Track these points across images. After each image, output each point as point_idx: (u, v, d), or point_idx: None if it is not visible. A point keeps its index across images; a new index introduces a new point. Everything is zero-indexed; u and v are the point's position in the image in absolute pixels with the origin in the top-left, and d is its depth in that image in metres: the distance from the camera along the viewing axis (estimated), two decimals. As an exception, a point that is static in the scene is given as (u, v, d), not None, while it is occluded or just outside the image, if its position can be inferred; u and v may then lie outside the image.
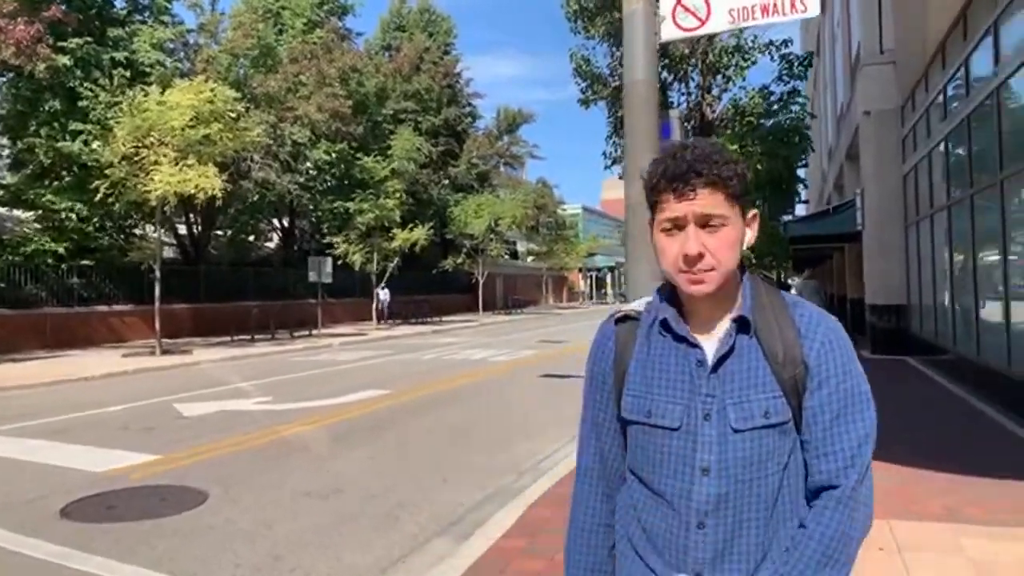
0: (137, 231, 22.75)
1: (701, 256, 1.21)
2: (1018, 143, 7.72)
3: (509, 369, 14.50)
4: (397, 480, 6.13)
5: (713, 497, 1.22)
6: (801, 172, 16.52)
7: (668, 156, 1.25)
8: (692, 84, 10.51)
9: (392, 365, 15.46)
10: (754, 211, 1.28)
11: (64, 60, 18.49)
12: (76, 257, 19.98)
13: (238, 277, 25.95)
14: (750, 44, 10.31)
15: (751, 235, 1.29)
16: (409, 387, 11.77)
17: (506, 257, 46.02)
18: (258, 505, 5.45)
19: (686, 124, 8.26)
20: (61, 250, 19.19)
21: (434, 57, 38.90)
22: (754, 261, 11.99)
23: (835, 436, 1.24)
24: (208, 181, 15.70)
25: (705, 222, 1.21)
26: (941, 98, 11.01)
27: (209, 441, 7.69)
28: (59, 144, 19.12)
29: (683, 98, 10.43)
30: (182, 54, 24.13)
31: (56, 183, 19.76)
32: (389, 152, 29.07)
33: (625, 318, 1.38)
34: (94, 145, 18.47)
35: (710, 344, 1.28)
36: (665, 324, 1.31)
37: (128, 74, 19.95)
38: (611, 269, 71.21)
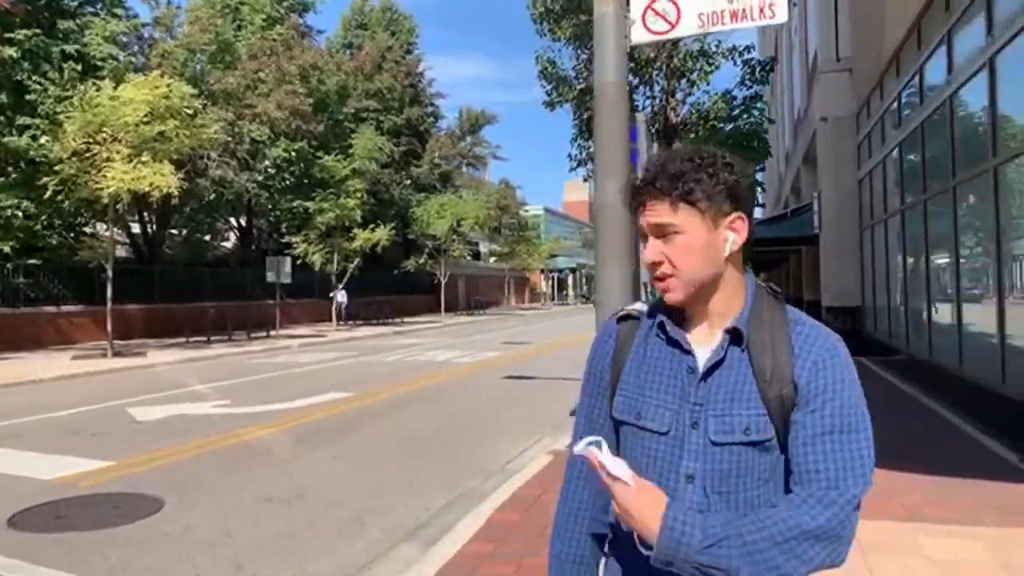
0: (88, 229, 22.11)
1: (658, 264, 1.25)
2: (970, 150, 7.95)
3: (473, 371, 14.44)
4: (362, 484, 6.03)
5: (696, 505, 1.21)
6: (759, 176, 16.81)
7: (644, 169, 1.31)
8: (657, 88, 10.61)
9: (354, 367, 15.27)
10: (736, 214, 1.24)
11: (11, 52, 17.89)
12: (23, 256, 19.34)
13: (194, 277, 25.39)
14: (714, 49, 10.45)
15: (735, 238, 1.25)
16: (372, 389, 11.62)
17: (468, 258, 45.91)
18: (217, 512, 5.30)
19: (650, 128, 8.33)
20: (7, 249, 18.51)
21: (396, 56, 38.65)
22: None
23: (817, 459, 1.17)
24: (163, 179, 15.32)
25: (660, 232, 1.24)
26: (895, 105, 11.30)
27: (165, 446, 7.47)
28: (5, 139, 18.46)
29: (648, 102, 10.51)
30: (136, 48, 23.55)
31: (1, 179, 19.05)
32: (350, 151, 28.76)
33: (627, 317, 1.38)
34: (42, 140, 17.88)
35: (704, 352, 1.26)
36: (662, 327, 1.30)
37: (79, 68, 19.33)
38: (573, 270, 71.71)
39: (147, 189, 15.28)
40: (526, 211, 52.26)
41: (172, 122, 15.93)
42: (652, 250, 1.24)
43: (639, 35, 4.13)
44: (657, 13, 4.00)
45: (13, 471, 6.44)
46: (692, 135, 11.60)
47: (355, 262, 27.36)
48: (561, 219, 74.82)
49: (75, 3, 21.46)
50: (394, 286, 36.61)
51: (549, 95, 11.39)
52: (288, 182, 27.19)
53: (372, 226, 27.17)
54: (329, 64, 31.45)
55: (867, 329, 14.30)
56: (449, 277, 36.53)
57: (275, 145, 25.14)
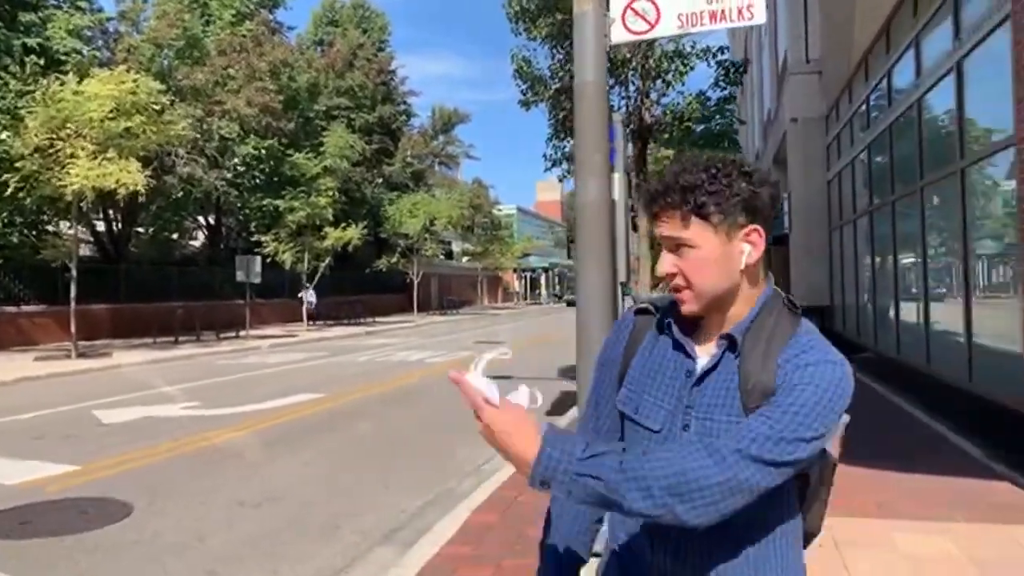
0: (51, 228, 21.57)
1: (671, 275, 1.24)
2: (937, 153, 8.11)
3: (447, 370, 14.34)
4: (336, 487, 5.95)
5: None
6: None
7: (657, 177, 1.30)
8: (632, 88, 10.66)
9: (326, 367, 15.11)
10: (752, 226, 1.21)
11: (-31, 44, 17.37)
12: (-19, 255, 18.82)
13: (161, 276, 24.92)
14: (689, 49, 10.54)
15: (751, 250, 1.22)
16: (345, 390, 11.51)
17: (441, 257, 45.78)
18: (188, 516, 5.19)
19: (626, 128, 8.36)
20: (-35, 247, 18.03)
21: (368, 53, 38.36)
22: None
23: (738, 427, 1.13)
24: (130, 176, 15.01)
25: (672, 245, 1.23)
26: (864, 108, 11.49)
27: (133, 449, 7.30)
28: (-37, 134, 17.92)
29: (623, 102, 10.56)
30: (101, 43, 23.01)
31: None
32: (322, 149, 28.45)
33: (645, 311, 1.37)
34: (3, 136, 17.37)
35: (706, 357, 1.26)
36: (669, 327, 1.30)
37: (42, 62, 18.85)
38: (545, 270, 71.90)
39: (113, 186, 14.95)
40: (499, 210, 52.23)
41: (139, 118, 15.60)
42: (666, 262, 1.24)
43: (619, 34, 4.13)
44: (637, 13, 4.00)
45: (-26, 476, 6.25)
46: (666, 135, 11.68)
47: (326, 261, 27.08)
48: (533, 219, 75.00)
49: (37, -4, 20.94)
50: (366, 285, 36.33)
51: (524, 94, 11.38)
52: (258, 180, 26.81)
53: (344, 225, 26.90)
54: (300, 61, 31.09)
55: (836, 328, 14.53)
56: (422, 276, 36.37)
57: (245, 142, 24.77)
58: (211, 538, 4.74)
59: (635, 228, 10.36)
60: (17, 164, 15.18)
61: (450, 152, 47.56)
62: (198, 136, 21.81)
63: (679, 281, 1.23)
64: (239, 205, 27.55)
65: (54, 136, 15.01)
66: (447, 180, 46.17)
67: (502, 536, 4.45)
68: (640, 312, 1.38)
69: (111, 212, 23.57)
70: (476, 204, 41.23)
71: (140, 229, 26.20)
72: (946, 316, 8.18)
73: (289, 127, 27.42)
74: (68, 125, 15.03)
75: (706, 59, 11.01)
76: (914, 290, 9.32)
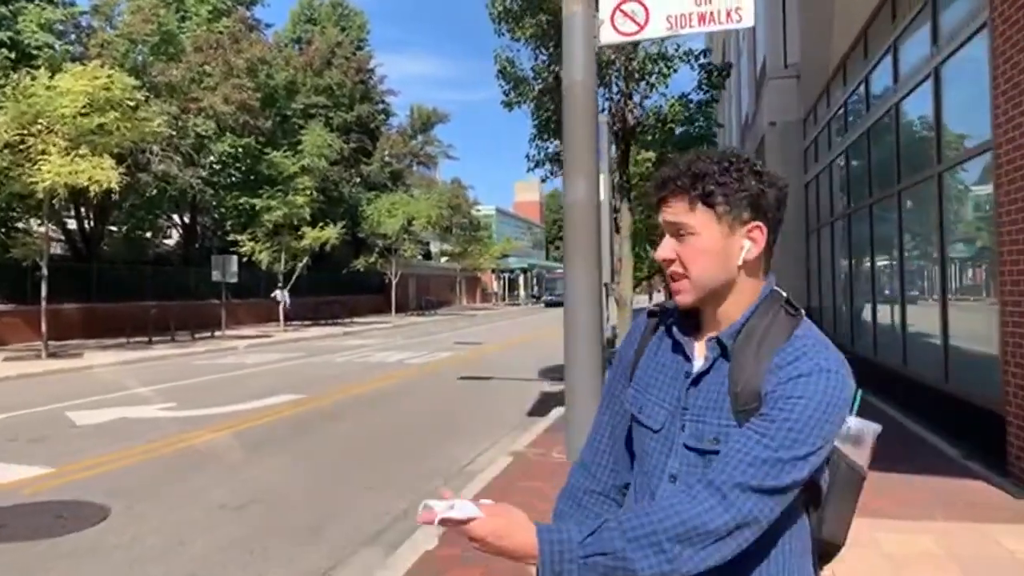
0: (21, 225, 21.14)
1: (669, 261, 1.24)
2: (914, 157, 8.23)
3: (427, 371, 14.32)
4: (318, 489, 5.89)
5: None
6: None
7: (666, 165, 1.29)
8: (615, 90, 10.68)
9: (304, 368, 14.97)
10: (755, 223, 1.21)
11: (-63, 37, 16.97)
12: (-51, 253, 18.38)
13: (134, 275, 24.55)
14: (672, 52, 10.59)
15: (751, 246, 1.21)
16: (324, 391, 11.40)
17: (419, 257, 45.55)
18: (167, 520, 5.10)
19: (609, 130, 8.39)
20: (-68, 245, 17.61)
21: (346, 52, 38.09)
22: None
23: (728, 452, 1.13)
24: (103, 173, 14.74)
25: (675, 231, 1.23)
26: (842, 112, 11.63)
27: (108, 452, 7.17)
28: (-70, 129, 17.49)
29: (606, 103, 10.57)
30: (73, 37, 22.60)
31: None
32: (299, 148, 28.20)
33: (656, 312, 1.39)
34: (-29, 131, 17.00)
35: (702, 358, 1.27)
36: (671, 328, 1.32)
37: (12, 56, 18.51)
38: (524, 271, 71.88)
39: (85, 184, 14.69)
40: (478, 211, 52.09)
41: (113, 114, 15.34)
42: (665, 247, 1.25)
43: (608, 36, 4.13)
44: (626, 14, 4.01)
45: (-56, 480, 6.10)
46: (649, 137, 11.72)
47: (303, 261, 26.83)
48: (512, 219, 75.03)
49: (8, -12, 20.52)
50: (343, 286, 36.07)
51: (507, 95, 11.37)
52: (234, 178, 26.50)
53: (321, 224, 26.69)
54: (277, 59, 30.78)
55: (812, 329, 14.68)
56: (400, 277, 36.19)
57: (221, 140, 24.47)
58: (192, 542, 4.66)
59: (617, 229, 10.40)
60: (-14, 160, 14.87)
61: (429, 152, 47.31)
62: (173, 133, 21.49)
63: (676, 268, 1.23)
64: (215, 204, 27.22)
65: (25, 132, 14.71)
66: (426, 180, 45.98)
67: (488, 538, 4.43)
68: (652, 314, 1.39)
69: (83, 210, 23.16)
70: (455, 204, 41.07)
71: (113, 227, 25.79)
72: (922, 318, 8.30)
73: (266, 125, 27.17)
74: (40, 121, 14.74)
75: (689, 62, 11.08)
76: (890, 292, 9.44)
